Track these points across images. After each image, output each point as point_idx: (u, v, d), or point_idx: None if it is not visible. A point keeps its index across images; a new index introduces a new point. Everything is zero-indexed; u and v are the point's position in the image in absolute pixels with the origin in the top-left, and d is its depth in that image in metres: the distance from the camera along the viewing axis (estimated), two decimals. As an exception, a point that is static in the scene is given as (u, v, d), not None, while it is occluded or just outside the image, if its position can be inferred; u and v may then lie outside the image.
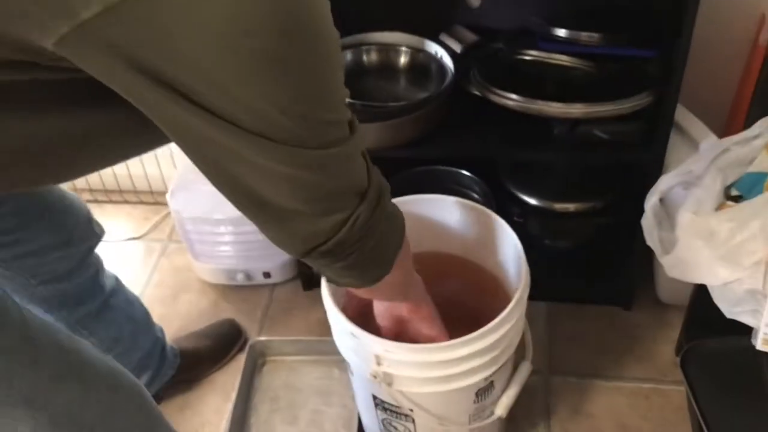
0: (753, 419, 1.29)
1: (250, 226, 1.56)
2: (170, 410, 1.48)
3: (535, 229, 1.53)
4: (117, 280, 1.33)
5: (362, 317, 1.09)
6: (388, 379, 1.06)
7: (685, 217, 1.05)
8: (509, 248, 1.18)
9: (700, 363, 1.38)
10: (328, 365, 1.52)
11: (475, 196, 1.59)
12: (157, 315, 1.65)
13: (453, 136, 1.37)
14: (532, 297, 1.14)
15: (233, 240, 1.59)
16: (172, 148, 0.86)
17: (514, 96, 1.22)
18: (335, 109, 0.62)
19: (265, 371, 1.53)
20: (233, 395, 1.46)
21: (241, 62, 0.52)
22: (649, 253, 1.22)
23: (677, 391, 1.42)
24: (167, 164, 1.83)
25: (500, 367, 1.10)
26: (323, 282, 1.12)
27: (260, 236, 1.57)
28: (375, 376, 1.07)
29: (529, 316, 1.19)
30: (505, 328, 1.05)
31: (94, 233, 1.21)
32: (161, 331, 1.45)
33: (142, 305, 1.40)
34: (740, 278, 0.99)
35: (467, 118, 1.39)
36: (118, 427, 0.95)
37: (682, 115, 1.30)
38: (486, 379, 1.09)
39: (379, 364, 1.05)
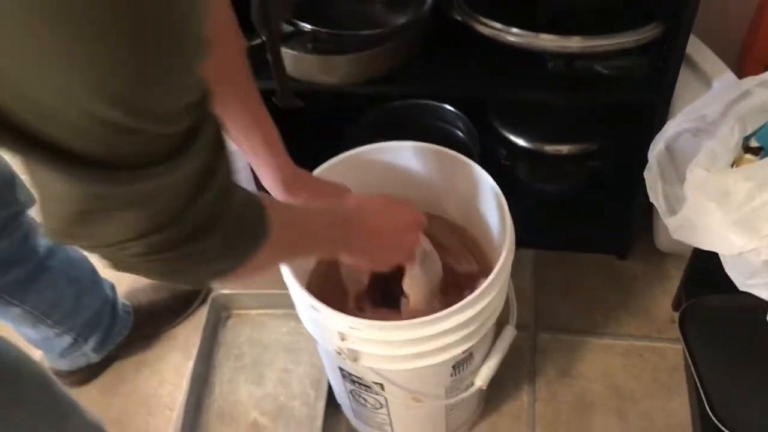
0: (754, 384, 1.19)
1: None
2: (126, 370, 1.37)
3: (523, 172, 1.39)
4: (55, 238, 1.19)
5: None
6: (353, 356, 0.94)
7: (695, 174, 0.90)
8: (491, 204, 1.04)
9: (700, 322, 1.26)
10: (297, 319, 1.37)
11: (459, 134, 1.43)
12: (113, 263, 1.53)
13: (433, 70, 1.20)
14: (518, 244, 1.00)
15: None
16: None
17: (500, 26, 1.05)
18: (174, 100, 0.41)
19: (229, 326, 1.42)
20: (194, 352, 1.34)
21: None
22: (646, 194, 1.09)
23: (673, 350, 1.31)
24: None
25: (480, 339, 0.98)
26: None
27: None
28: (339, 353, 0.95)
29: (515, 265, 1.05)
30: (485, 300, 0.92)
31: (17, 201, 1.06)
32: (112, 288, 1.32)
33: (87, 262, 1.26)
34: (757, 248, 0.85)
35: (449, 49, 1.22)
36: (21, 424, 0.83)
37: (694, 47, 1.13)
38: (464, 352, 0.97)
39: (343, 339, 0.93)
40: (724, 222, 0.87)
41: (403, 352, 0.92)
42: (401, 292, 0.99)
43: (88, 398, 1.33)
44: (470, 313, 0.91)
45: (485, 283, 0.92)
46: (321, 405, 1.26)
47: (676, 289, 1.34)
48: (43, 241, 1.16)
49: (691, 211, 0.91)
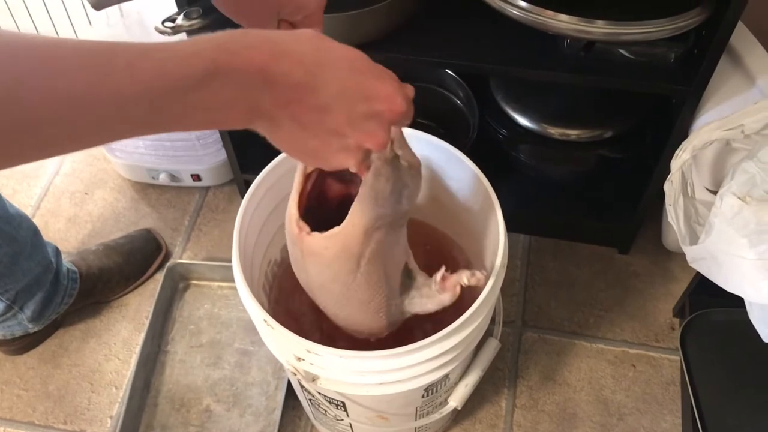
0: (755, 413, 1.09)
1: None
2: (71, 339, 1.25)
3: (524, 153, 1.24)
4: (-11, 193, 1.04)
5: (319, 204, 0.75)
6: (311, 377, 0.82)
7: (728, 203, 0.76)
8: (485, 211, 0.89)
9: (703, 337, 1.15)
10: (262, 296, 1.27)
11: (457, 102, 1.28)
12: (64, 216, 1.40)
13: (429, 36, 1.04)
14: (511, 228, 0.86)
15: (149, 137, 1.28)
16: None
17: (512, -2, 0.88)
18: None
19: (187, 298, 1.29)
20: (146, 325, 1.22)
21: None
22: (659, 190, 0.95)
23: (670, 361, 1.20)
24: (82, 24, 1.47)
25: (458, 364, 0.86)
26: (234, 246, 0.85)
27: (184, 135, 1.29)
28: (295, 373, 0.82)
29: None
30: (469, 329, 0.79)
31: None
32: (56, 252, 1.18)
33: (28, 223, 1.12)
34: (793, 301, 0.72)
35: (449, 12, 1.05)
36: None
37: (739, 36, 0.97)
38: (439, 377, 0.85)
39: (300, 360, 0.80)
40: (757, 264, 0.74)
41: (368, 380, 0.80)
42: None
43: (26, 369, 1.22)
44: (450, 343, 0.78)
45: (470, 310, 0.79)
46: (281, 396, 1.15)
47: (681, 295, 1.22)
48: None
49: (717, 245, 0.78)
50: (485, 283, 0.78)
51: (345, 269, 0.70)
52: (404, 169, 0.65)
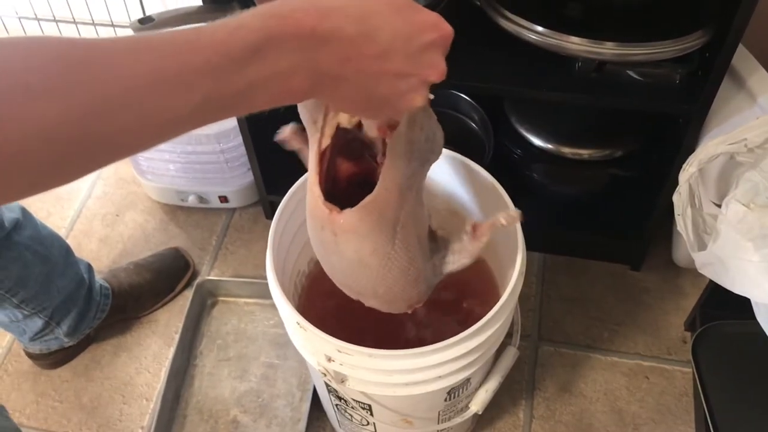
0: (767, 420, 1.12)
1: (194, 147, 1.33)
2: (103, 353, 1.30)
3: (538, 173, 1.29)
4: (24, 211, 1.10)
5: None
6: (340, 378, 0.87)
7: (733, 209, 0.81)
8: (509, 231, 0.94)
9: (714, 348, 1.18)
10: (287, 312, 1.32)
11: (473, 125, 1.34)
12: (96, 237, 1.45)
13: (449, 59, 1.10)
14: (527, 246, 0.91)
15: (180, 160, 1.34)
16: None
17: (523, 22, 0.95)
18: None
19: (214, 313, 1.34)
20: (175, 339, 1.27)
21: None
22: (668, 207, 1.00)
23: (682, 373, 1.23)
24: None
25: (479, 366, 0.91)
26: (268, 255, 0.90)
27: (213, 158, 1.35)
28: (324, 374, 0.87)
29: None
30: (490, 330, 0.84)
31: None
32: (88, 269, 1.23)
33: (60, 242, 1.17)
34: (797, 300, 0.77)
35: (465, 36, 1.11)
36: None
37: (739, 58, 1.03)
38: (462, 379, 0.90)
39: (330, 360, 0.85)
40: (762, 267, 0.78)
41: (395, 380, 0.84)
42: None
43: (60, 382, 1.26)
44: (473, 343, 0.83)
45: (492, 312, 0.83)
46: (306, 407, 1.19)
47: (691, 309, 1.26)
48: (9, 215, 1.07)
49: (724, 250, 0.82)
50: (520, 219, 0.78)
51: (383, 238, 0.68)
52: (432, 115, 0.65)
